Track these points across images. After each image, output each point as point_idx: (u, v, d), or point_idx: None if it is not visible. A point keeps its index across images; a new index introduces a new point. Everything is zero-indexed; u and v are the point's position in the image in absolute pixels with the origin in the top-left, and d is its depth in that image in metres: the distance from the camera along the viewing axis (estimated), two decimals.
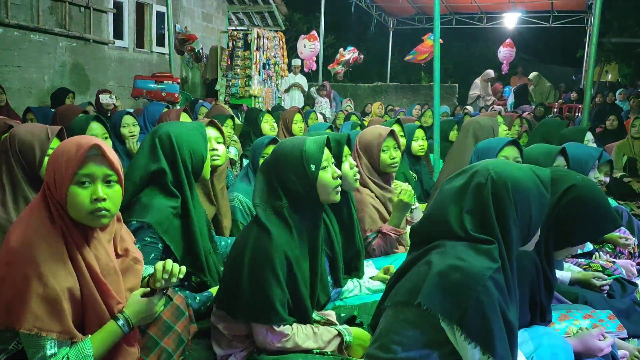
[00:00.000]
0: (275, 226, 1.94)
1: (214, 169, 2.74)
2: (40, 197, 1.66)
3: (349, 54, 13.39)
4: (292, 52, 16.16)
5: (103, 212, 1.63)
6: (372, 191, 3.08)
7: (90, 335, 1.64)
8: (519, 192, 1.59)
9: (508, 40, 13.68)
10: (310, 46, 12.26)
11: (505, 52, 13.70)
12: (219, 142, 2.85)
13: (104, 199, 1.62)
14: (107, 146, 1.67)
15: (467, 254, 1.52)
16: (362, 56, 13.78)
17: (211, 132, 2.80)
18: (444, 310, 1.48)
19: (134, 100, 9.38)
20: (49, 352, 1.55)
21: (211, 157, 2.69)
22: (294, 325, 1.99)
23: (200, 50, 10.76)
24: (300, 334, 1.97)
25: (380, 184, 3.12)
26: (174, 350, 1.80)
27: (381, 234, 2.96)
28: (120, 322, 1.67)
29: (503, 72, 13.93)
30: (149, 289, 1.77)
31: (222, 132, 2.88)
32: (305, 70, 12.63)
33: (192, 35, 10.63)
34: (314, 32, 12.38)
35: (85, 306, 1.62)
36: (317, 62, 13.06)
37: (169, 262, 1.73)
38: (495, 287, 1.47)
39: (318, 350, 1.98)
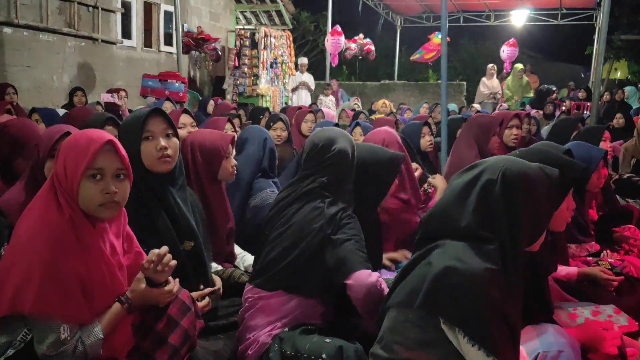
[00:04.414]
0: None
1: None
2: (48, 188, 1.69)
3: (365, 43, 13.35)
4: (299, 50, 16.18)
5: (113, 204, 1.69)
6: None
7: (98, 319, 1.68)
8: (531, 191, 1.57)
9: (512, 40, 13.34)
10: (332, 40, 12.17)
11: (508, 52, 13.13)
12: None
13: (115, 192, 1.68)
14: (118, 142, 1.74)
15: (466, 255, 1.50)
16: (375, 54, 13.74)
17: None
18: (445, 313, 1.47)
19: (142, 99, 9.42)
20: (62, 336, 1.57)
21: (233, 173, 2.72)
22: None
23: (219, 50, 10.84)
24: None
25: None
26: (180, 346, 1.81)
27: None
28: (126, 305, 1.73)
29: (505, 71, 13.48)
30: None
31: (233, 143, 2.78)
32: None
33: (209, 35, 10.67)
34: (337, 27, 12.33)
35: (93, 292, 1.65)
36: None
37: (164, 249, 1.75)
38: (495, 289, 1.46)
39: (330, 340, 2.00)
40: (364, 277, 2.00)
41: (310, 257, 2.11)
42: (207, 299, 2.22)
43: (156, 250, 1.74)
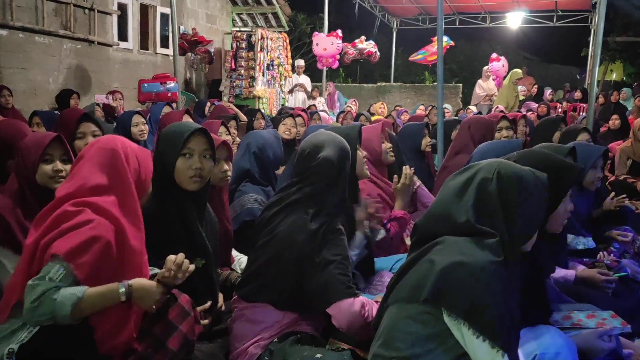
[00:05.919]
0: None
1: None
2: None
3: (368, 45, 13.27)
4: (295, 52, 16.16)
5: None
6: (377, 186, 3.18)
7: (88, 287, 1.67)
8: (524, 190, 1.61)
9: (494, 55, 12.76)
10: (338, 43, 12.08)
11: (491, 67, 12.25)
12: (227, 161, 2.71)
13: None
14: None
15: (469, 249, 1.53)
16: (378, 55, 13.63)
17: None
18: (450, 306, 1.48)
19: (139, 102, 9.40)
20: (49, 275, 1.60)
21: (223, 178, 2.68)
22: None
23: (212, 52, 10.81)
24: None
25: (383, 179, 3.22)
26: (179, 350, 1.81)
27: (395, 218, 2.98)
28: (122, 288, 1.69)
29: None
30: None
31: (230, 151, 2.73)
32: (320, 67, 12.51)
33: (202, 37, 10.65)
34: (339, 31, 12.27)
35: (131, 261, 1.76)
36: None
37: (181, 256, 1.76)
38: (500, 281, 1.49)
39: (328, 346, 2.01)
40: (347, 307, 1.98)
41: (292, 273, 2.07)
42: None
43: (172, 257, 1.75)
